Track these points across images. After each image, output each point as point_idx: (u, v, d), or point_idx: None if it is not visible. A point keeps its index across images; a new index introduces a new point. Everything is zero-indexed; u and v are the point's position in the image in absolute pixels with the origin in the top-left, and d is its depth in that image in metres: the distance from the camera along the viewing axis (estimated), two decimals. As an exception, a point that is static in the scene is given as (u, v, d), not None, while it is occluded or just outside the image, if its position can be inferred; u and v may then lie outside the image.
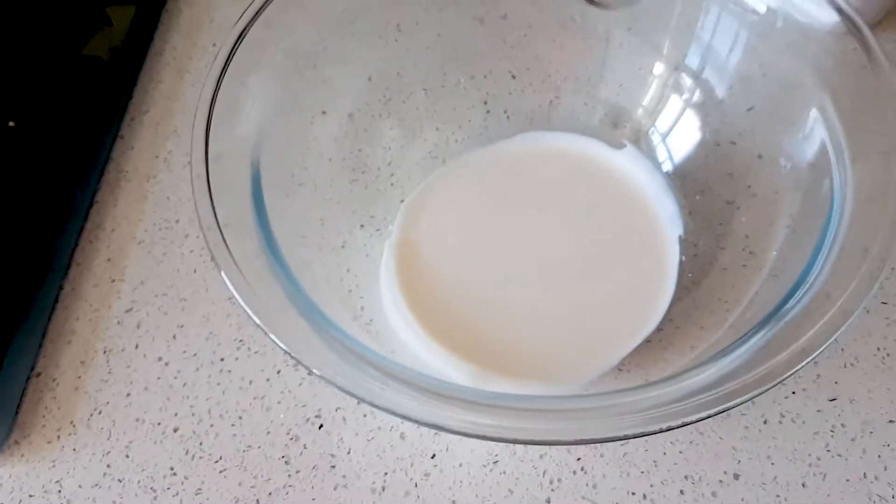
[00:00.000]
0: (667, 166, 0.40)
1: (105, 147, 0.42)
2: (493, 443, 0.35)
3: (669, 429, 0.26)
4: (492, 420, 0.26)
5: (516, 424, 0.26)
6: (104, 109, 0.43)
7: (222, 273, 0.29)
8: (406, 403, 0.26)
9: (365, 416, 0.36)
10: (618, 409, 0.27)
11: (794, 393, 0.36)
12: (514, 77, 0.44)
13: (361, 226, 0.39)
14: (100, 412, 0.36)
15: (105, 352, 0.38)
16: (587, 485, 0.34)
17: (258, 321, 0.28)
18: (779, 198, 0.37)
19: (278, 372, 0.37)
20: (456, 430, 0.26)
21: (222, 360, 0.38)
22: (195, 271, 0.40)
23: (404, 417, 0.26)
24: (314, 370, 0.27)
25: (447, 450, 0.35)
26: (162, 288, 0.39)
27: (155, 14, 0.47)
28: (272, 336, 0.28)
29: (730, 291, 0.36)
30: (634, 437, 0.26)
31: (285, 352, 0.27)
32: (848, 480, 0.34)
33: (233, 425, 0.36)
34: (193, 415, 0.36)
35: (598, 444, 0.35)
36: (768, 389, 0.27)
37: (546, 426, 0.26)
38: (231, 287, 0.28)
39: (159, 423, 0.36)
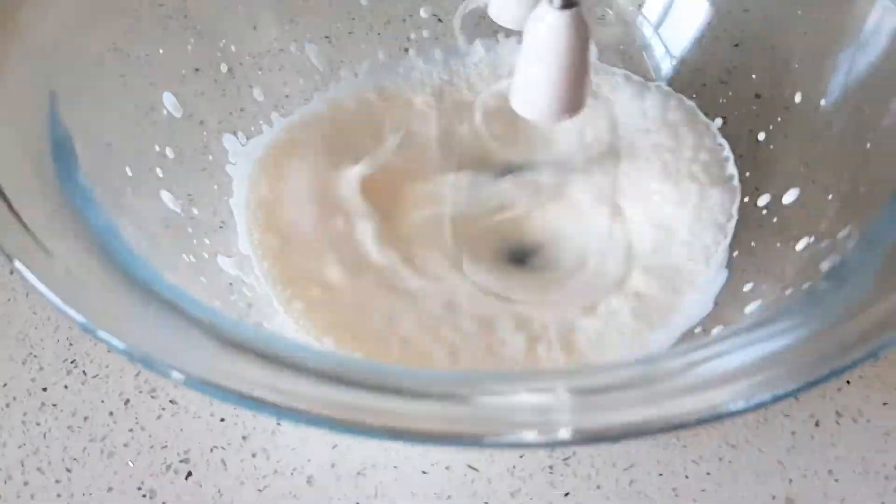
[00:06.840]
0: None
1: None
2: (445, 481, 0.24)
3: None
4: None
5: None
6: None
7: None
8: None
9: (255, 455, 0.25)
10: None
11: (848, 383, 0.26)
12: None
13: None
14: None
15: None
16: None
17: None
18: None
19: (126, 402, 0.26)
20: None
21: (45, 389, 0.26)
22: (11, 273, 0.29)
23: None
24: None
25: (377, 495, 0.24)
26: (-40, 298, 0.28)
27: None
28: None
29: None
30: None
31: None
32: (944, 495, 0.24)
33: (58, 482, 0.24)
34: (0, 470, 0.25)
35: (593, 474, 0.25)
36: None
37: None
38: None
39: (-55, 486, 0.24)
